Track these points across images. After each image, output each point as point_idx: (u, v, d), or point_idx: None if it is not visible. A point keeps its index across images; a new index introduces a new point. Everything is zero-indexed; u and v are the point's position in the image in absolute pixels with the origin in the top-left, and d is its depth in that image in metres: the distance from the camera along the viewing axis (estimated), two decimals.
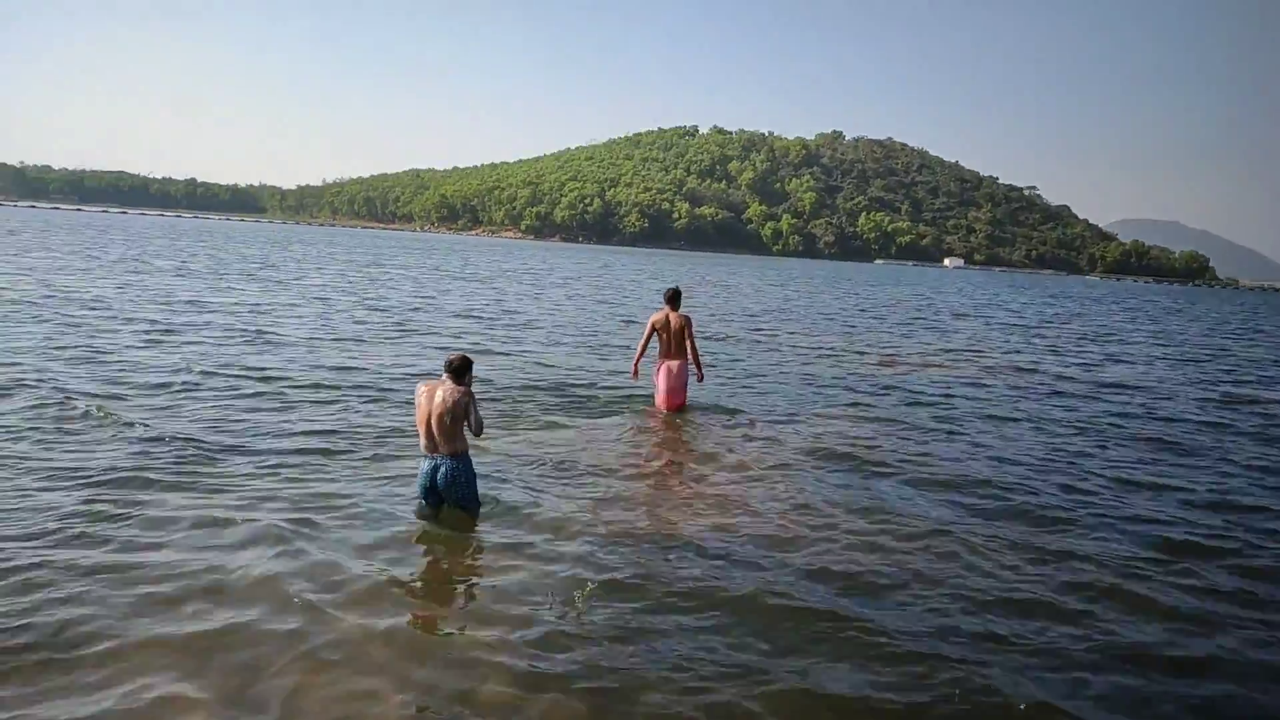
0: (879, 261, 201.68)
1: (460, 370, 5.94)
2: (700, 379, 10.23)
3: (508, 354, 14.33)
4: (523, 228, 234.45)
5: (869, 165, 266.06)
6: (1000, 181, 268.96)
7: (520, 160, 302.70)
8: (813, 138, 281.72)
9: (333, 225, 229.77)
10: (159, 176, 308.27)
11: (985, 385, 14.00)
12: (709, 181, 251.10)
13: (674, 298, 9.91)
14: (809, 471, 7.79)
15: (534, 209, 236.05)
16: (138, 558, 5.15)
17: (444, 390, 5.90)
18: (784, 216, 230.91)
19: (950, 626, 4.88)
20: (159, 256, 36.08)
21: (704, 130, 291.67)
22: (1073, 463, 8.83)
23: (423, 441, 5.99)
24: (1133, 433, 10.69)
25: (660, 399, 10.00)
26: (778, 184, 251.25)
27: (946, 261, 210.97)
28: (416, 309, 21.21)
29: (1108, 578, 5.70)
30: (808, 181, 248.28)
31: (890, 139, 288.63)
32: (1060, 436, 10.17)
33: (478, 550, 5.69)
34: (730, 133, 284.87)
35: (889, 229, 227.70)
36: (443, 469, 5.96)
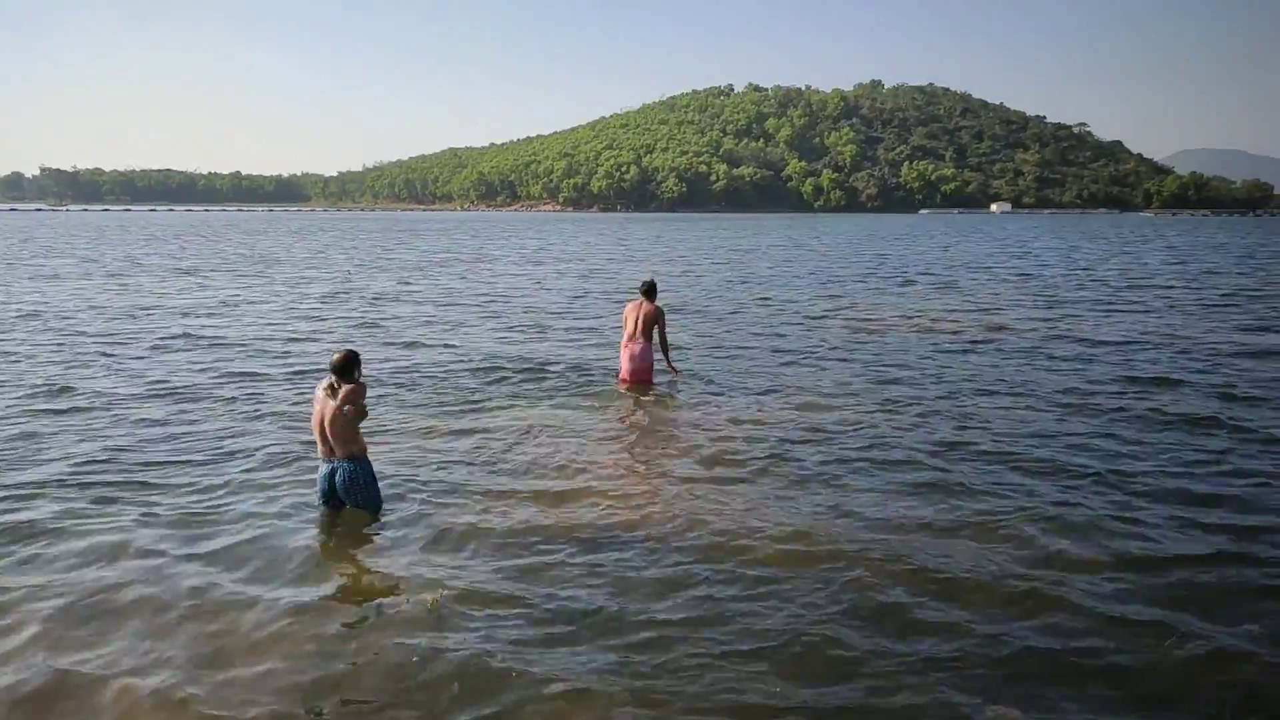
0: (923, 211, 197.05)
1: (344, 368, 5.79)
2: (672, 371, 10.34)
3: (466, 339, 14.34)
4: (561, 200, 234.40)
5: (910, 113, 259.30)
6: (1048, 120, 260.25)
7: (555, 132, 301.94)
8: (851, 89, 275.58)
9: (373, 210, 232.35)
10: (205, 172, 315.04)
11: (971, 350, 13.60)
12: (746, 141, 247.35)
13: (649, 291, 10.11)
14: (750, 460, 7.50)
15: (570, 180, 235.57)
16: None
17: (336, 392, 5.88)
18: (824, 172, 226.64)
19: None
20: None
21: (739, 89, 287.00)
22: (1037, 441, 8.55)
23: (319, 446, 5.97)
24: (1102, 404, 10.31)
25: (623, 372, 10.18)
26: (816, 139, 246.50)
27: (993, 207, 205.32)
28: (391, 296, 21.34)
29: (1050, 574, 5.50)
30: (847, 134, 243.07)
31: (931, 84, 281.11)
32: (1026, 409, 9.84)
33: (368, 553, 5.63)
34: (766, 89, 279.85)
35: (933, 177, 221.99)
36: (340, 472, 5.94)
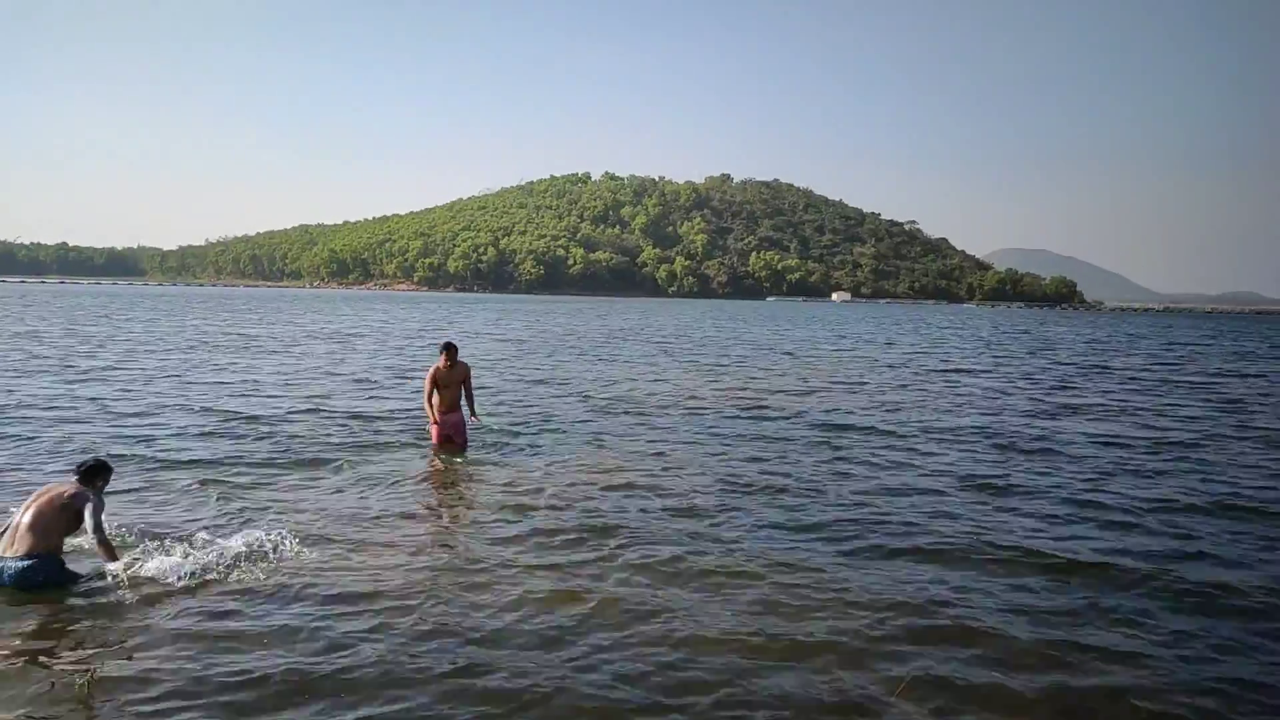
0: (770, 299, 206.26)
1: (92, 473, 5.61)
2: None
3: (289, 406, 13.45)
4: (416, 279, 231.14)
5: (757, 206, 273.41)
6: (882, 217, 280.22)
7: (411, 212, 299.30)
8: (702, 181, 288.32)
9: (214, 285, 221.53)
10: (27, 242, 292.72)
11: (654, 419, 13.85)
12: (603, 227, 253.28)
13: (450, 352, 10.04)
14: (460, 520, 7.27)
15: (426, 260, 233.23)
16: None
17: (63, 486, 5.50)
18: (677, 259, 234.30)
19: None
20: None
21: (596, 176, 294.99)
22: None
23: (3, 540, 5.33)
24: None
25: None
26: (670, 227, 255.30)
27: (835, 296, 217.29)
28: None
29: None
30: (699, 224, 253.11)
31: (777, 180, 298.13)
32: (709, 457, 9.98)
33: (35, 619, 5.05)
34: (622, 178, 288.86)
35: (779, 267, 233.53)
36: (12, 570, 5.23)
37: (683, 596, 5.74)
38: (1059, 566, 6.49)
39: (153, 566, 5.70)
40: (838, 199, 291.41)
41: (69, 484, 5.53)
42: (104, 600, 5.34)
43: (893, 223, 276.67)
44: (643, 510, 7.85)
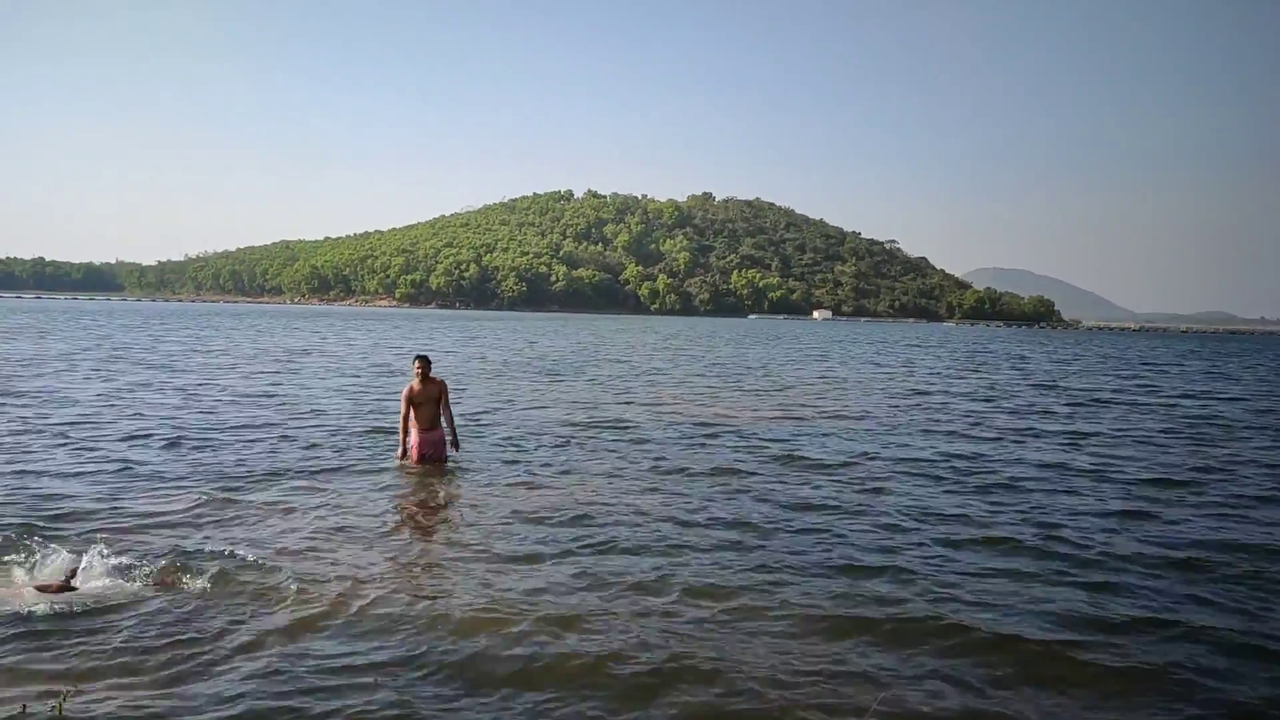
0: (752, 316, 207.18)
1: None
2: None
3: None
4: (397, 296, 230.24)
5: (739, 224, 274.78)
6: (863, 236, 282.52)
7: (393, 228, 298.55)
8: (684, 199, 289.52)
9: (192, 301, 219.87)
10: (2, 256, 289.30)
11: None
12: (585, 244, 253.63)
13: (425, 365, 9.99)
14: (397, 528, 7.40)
15: (408, 276, 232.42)
16: None
17: None
18: (660, 276, 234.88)
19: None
20: None
21: (579, 194, 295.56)
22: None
23: None
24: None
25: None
26: (652, 245, 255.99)
27: (816, 314, 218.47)
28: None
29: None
30: (681, 242, 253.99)
31: (758, 198, 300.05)
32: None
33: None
34: (604, 196, 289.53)
35: (760, 285, 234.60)
36: None
37: (690, 625, 5.70)
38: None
39: (129, 594, 5.68)
40: (818, 218, 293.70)
41: None
42: (77, 625, 5.24)
43: (873, 241, 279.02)
44: (637, 529, 7.93)
